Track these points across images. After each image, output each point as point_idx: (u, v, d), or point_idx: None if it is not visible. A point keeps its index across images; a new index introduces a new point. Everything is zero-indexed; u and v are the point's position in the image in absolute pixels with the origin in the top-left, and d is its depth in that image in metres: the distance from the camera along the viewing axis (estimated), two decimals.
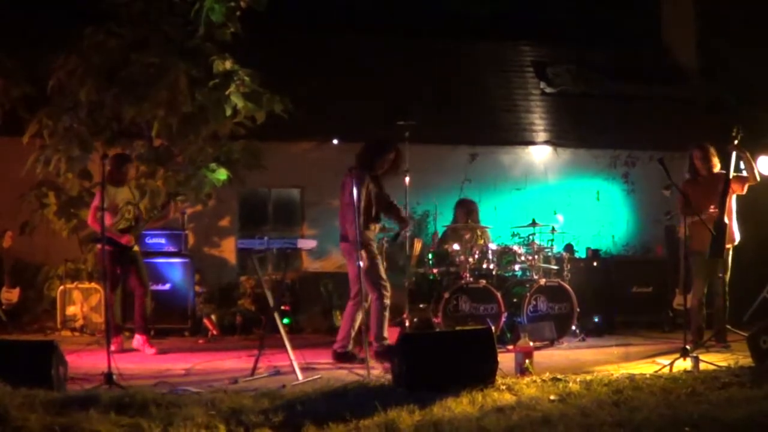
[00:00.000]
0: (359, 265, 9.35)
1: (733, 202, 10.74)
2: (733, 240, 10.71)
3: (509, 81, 17.82)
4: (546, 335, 11.31)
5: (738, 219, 10.81)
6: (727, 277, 10.77)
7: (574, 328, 11.84)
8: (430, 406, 6.75)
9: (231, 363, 10.05)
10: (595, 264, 13.57)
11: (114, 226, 10.99)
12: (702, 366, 8.77)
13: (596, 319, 12.69)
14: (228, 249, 15.11)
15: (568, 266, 12.30)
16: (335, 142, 14.76)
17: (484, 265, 11.70)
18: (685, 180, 10.93)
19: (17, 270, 13.36)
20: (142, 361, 10.18)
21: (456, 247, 11.64)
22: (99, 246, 10.76)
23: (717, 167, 10.81)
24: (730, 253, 10.73)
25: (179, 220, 13.54)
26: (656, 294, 13.27)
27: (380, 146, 10.18)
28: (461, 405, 6.88)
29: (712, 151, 10.84)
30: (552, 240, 12.25)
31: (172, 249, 12.92)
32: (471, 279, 11.38)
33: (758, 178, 10.71)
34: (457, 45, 17.73)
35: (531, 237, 12.10)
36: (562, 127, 16.88)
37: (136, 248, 11.35)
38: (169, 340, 12.23)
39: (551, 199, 15.45)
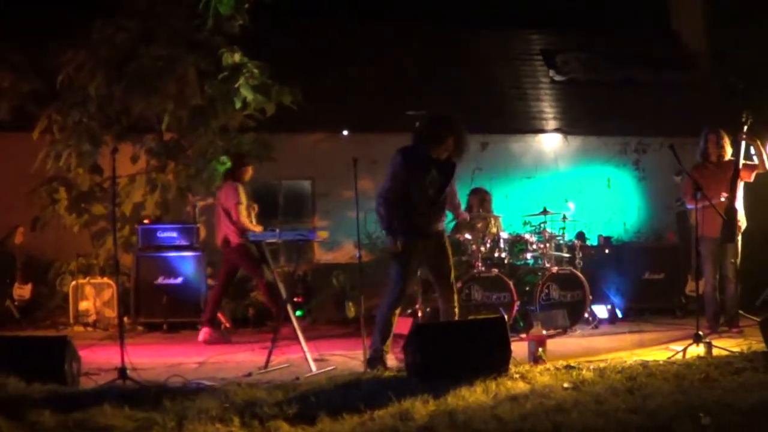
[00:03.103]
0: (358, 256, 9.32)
1: (740, 189, 10.71)
2: (740, 227, 10.69)
3: (518, 69, 17.81)
4: (559, 323, 11.30)
5: (746, 205, 10.78)
6: (738, 262, 10.75)
7: (586, 315, 11.83)
8: (444, 396, 6.74)
9: (244, 355, 10.07)
10: (606, 251, 13.54)
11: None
12: (715, 352, 8.76)
13: (608, 306, 12.66)
14: None
15: (580, 254, 12.28)
16: (345, 133, 14.76)
17: (496, 254, 11.67)
18: (694, 164, 10.91)
19: (29, 266, 13.37)
20: (155, 354, 10.18)
21: (468, 236, 11.62)
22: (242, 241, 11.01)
23: (728, 154, 10.76)
24: (739, 239, 10.71)
25: (191, 213, 13.57)
26: (668, 280, 13.24)
27: (434, 131, 8.72)
28: (475, 394, 6.88)
29: (726, 137, 10.80)
30: (563, 228, 12.24)
31: (184, 242, 12.93)
32: (483, 268, 11.36)
33: None
34: (466, 34, 17.74)
35: (542, 225, 12.08)
36: (572, 114, 16.87)
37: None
38: (182, 334, 12.26)
39: (562, 187, 15.45)
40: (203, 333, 11.26)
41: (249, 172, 11.71)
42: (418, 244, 8.74)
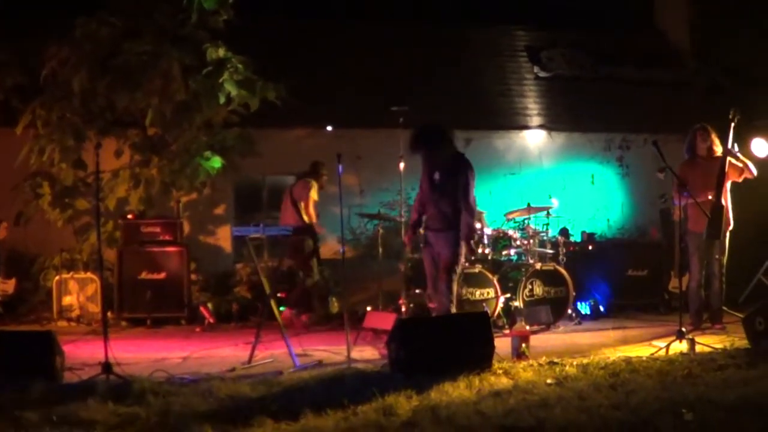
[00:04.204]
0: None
1: (727, 188, 10.71)
2: (728, 225, 10.69)
3: (503, 66, 17.82)
4: (542, 319, 11.31)
5: (733, 203, 10.79)
6: (724, 260, 10.76)
7: (570, 311, 11.85)
8: (428, 391, 6.77)
9: (228, 351, 10.06)
10: (590, 247, 13.57)
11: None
12: (698, 348, 8.77)
13: (592, 303, 12.67)
14: (223, 237, 15.12)
15: (564, 250, 12.29)
16: (329, 128, 14.72)
17: (480, 250, 11.67)
18: (683, 161, 10.91)
19: (12, 261, 13.33)
20: (139, 349, 10.17)
21: None
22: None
23: (717, 151, 10.76)
24: (728, 237, 10.72)
25: (174, 208, 13.55)
26: (652, 277, 13.25)
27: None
28: (458, 389, 6.90)
29: (714, 133, 10.80)
30: (547, 224, 12.26)
31: (167, 237, 12.89)
32: (467, 264, 11.37)
33: (755, 173, 10.67)
34: (451, 30, 17.73)
35: (526, 221, 12.10)
36: (556, 111, 16.88)
37: None
38: (165, 329, 12.25)
39: (546, 183, 15.45)
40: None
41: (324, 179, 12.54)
42: (427, 235, 9.54)
